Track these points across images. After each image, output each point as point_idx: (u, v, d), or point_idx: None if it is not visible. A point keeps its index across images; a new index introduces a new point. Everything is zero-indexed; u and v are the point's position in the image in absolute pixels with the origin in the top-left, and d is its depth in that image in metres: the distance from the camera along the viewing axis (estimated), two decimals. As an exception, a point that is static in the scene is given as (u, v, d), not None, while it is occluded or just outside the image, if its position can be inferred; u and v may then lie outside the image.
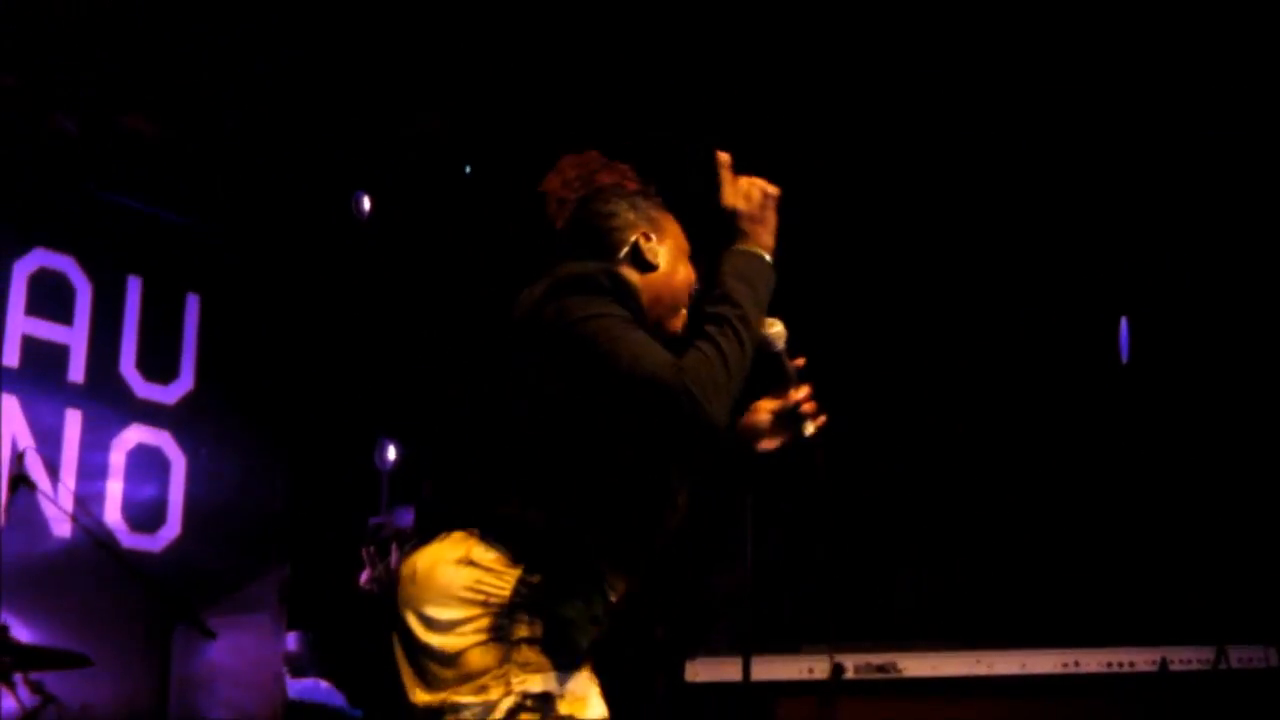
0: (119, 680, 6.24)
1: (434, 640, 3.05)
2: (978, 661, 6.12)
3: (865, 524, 6.96)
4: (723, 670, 6.19)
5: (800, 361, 3.39)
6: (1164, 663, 5.93)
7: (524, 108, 7.00)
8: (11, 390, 6.36)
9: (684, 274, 3.42)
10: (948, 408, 7.06)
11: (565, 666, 3.07)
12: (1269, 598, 6.10)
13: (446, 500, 3.22)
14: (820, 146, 6.91)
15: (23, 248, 6.48)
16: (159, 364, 6.90)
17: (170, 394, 6.92)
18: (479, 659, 3.03)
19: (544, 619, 3.06)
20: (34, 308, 6.49)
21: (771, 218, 3.27)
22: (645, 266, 3.37)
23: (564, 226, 3.46)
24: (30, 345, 6.46)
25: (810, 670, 6.18)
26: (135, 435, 6.77)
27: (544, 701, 3.04)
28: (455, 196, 7.27)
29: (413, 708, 3.09)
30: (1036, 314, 7.02)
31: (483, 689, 3.02)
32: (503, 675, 3.02)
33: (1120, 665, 6.01)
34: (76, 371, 6.61)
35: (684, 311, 3.42)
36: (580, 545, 3.13)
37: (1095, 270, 6.98)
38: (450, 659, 3.04)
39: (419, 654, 3.08)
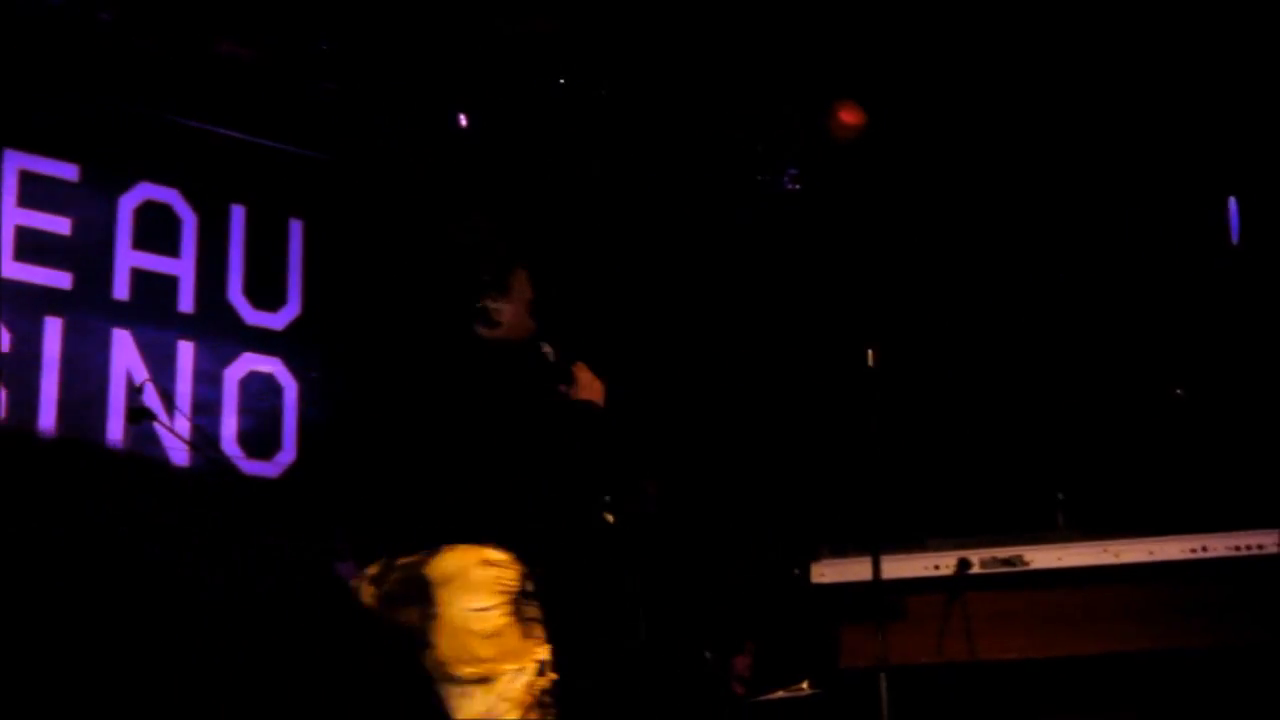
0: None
1: (475, 624, 3.98)
2: (1104, 550, 6.07)
3: (985, 416, 6.93)
4: (848, 570, 6.16)
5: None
6: (1294, 543, 5.88)
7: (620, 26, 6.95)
8: (124, 323, 6.42)
9: None
10: (1067, 298, 7.00)
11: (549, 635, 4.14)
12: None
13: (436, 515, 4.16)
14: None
15: (128, 182, 6.53)
16: (266, 291, 6.93)
17: (279, 320, 6.95)
18: (510, 635, 4.01)
19: (539, 602, 4.15)
20: (141, 241, 6.55)
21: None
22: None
23: None
24: (139, 278, 6.54)
25: (936, 566, 6.15)
26: (247, 362, 6.81)
27: (547, 664, 4.09)
28: (551, 110, 7.21)
29: (453, 677, 3.98)
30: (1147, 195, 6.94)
31: (516, 656, 4.01)
32: (526, 647, 4.04)
33: (1248, 548, 5.95)
34: (186, 302, 6.66)
35: None
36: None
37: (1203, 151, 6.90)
38: (490, 636, 3.98)
39: (463, 636, 3.98)
